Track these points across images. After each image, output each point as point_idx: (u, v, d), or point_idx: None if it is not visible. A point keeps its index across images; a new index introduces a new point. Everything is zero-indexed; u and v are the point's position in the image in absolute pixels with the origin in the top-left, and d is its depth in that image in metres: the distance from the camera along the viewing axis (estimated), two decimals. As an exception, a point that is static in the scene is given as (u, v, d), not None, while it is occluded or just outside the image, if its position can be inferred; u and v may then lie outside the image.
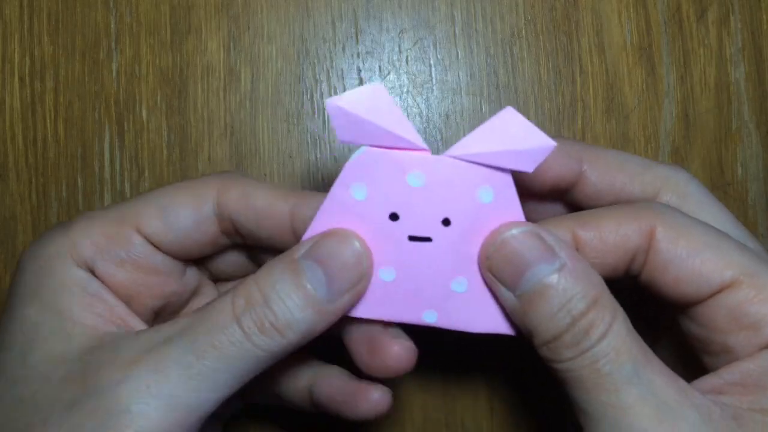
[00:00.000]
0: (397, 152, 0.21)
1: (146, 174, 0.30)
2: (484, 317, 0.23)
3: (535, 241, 0.20)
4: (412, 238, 0.22)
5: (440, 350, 0.31)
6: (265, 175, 0.30)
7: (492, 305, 0.23)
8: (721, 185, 0.31)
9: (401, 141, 0.21)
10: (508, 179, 0.21)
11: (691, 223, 0.20)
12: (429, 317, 0.23)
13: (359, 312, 0.23)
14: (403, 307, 0.23)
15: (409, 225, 0.22)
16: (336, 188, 0.22)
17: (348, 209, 0.22)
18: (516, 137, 0.21)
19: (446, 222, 0.22)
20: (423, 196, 0.22)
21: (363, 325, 0.23)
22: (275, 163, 0.30)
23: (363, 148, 0.21)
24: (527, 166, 0.21)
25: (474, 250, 0.22)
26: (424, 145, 0.21)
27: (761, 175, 0.32)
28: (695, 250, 0.19)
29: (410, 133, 0.21)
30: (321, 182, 0.30)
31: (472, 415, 0.31)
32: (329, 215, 0.22)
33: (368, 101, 0.21)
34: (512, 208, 0.22)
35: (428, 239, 0.22)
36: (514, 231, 0.20)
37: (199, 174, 0.30)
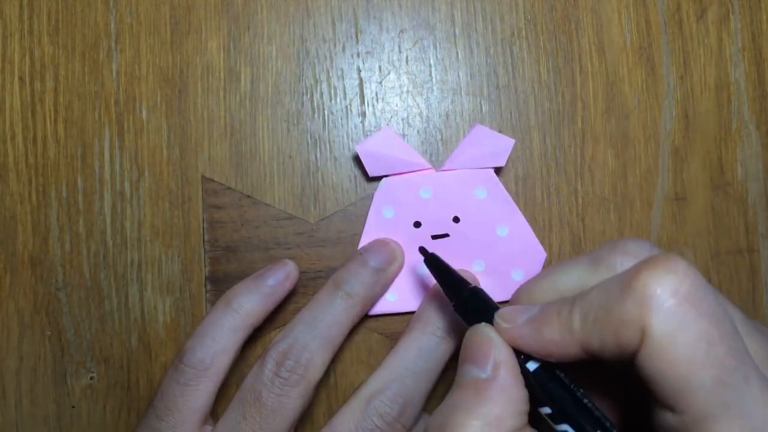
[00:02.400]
0: (407, 175, 0.29)
1: (146, 174, 0.30)
2: (502, 288, 0.30)
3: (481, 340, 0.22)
4: (434, 237, 0.30)
5: (440, 350, 0.31)
6: (265, 175, 0.30)
7: (507, 275, 0.30)
8: (721, 185, 0.31)
9: (412, 165, 0.29)
10: (494, 177, 0.29)
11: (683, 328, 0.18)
12: None
13: (409, 306, 0.30)
14: None
15: (429, 228, 0.30)
16: (371, 214, 0.29)
17: (383, 227, 0.30)
18: (487, 143, 0.29)
19: (456, 219, 0.29)
20: (434, 204, 0.29)
21: None
22: (275, 163, 0.30)
23: (383, 179, 0.29)
24: (501, 162, 0.29)
25: (484, 237, 0.29)
26: (428, 165, 0.29)
27: (761, 175, 0.32)
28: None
29: (417, 158, 0.29)
30: (321, 182, 0.30)
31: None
32: (370, 235, 0.30)
33: (384, 141, 0.29)
34: (503, 199, 0.29)
35: (446, 235, 0.30)
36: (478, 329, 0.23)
37: (199, 174, 0.30)
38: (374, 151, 0.29)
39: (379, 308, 0.30)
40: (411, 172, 0.29)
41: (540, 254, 0.30)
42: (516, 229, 0.29)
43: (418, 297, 0.30)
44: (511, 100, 0.31)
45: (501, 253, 0.30)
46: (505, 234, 0.29)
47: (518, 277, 0.30)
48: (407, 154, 0.29)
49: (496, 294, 0.28)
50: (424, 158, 0.29)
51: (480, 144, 0.29)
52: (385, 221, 0.29)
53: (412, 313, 0.30)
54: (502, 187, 0.29)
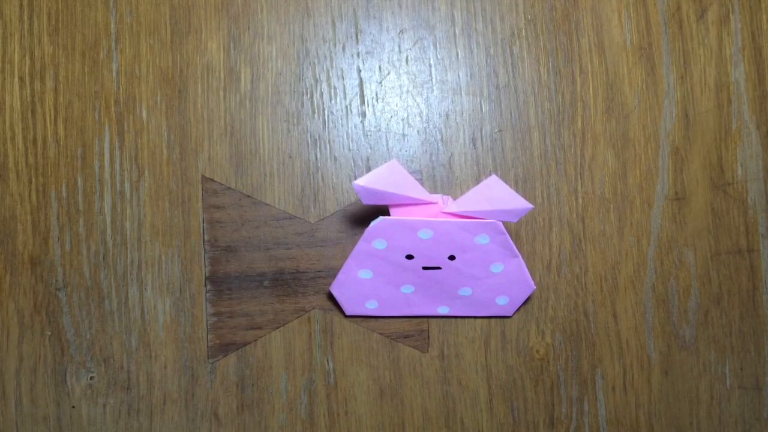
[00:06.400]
0: (407, 219, 0.27)
1: (146, 174, 0.30)
2: (484, 308, 0.30)
3: None
4: (425, 268, 0.29)
5: (439, 351, 0.31)
6: (265, 175, 0.30)
7: (492, 300, 0.30)
8: (721, 185, 0.31)
9: (413, 200, 0.27)
10: (500, 227, 0.28)
11: None
12: (442, 310, 0.30)
13: (388, 312, 0.30)
14: (422, 306, 0.30)
15: (422, 261, 0.29)
16: (360, 243, 0.28)
17: (372, 255, 0.28)
18: (502, 200, 0.27)
19: (452, 257, 0.29)
20: (432, 244, 0.28)
21: None
22: (275, 163, 0.30)
23: (380, 218, 0.27)
24: (512, 219, 0.27)
25: (477, 272, 0.29)
26: (432, 200, 0.27)
27: (761, 175, 0.32)
28: None
29: (420, 192, 0.27)
30: (321, 182, 0.30)
31: (472, 415, 0.31)
32: (357, 260, 0.29)
33: (385, 177, 0.26)
34: (505, 245, 0.28)
35: (439, 268, 0.29)
36: None
37: (199, 174, 0.30)
38: (373, 186, 0.26)
39: (357, 311, 0.30)
40: (413, 204, 0.28)
41: (529, 287, 0.30)
42: (511, 267, 0.29)
43: (397, 307, 0.30)
44: (511, 100, 0.31)
45: (490, 283, 0.29)
46: (500, 270, 0.29)
47: (502, 302, 0.30)
48: (410, 189, 0.27)
49: (478, 312, 0.30)
50: (427, 192, 0.28)
51: (494, 198, 0.27)
52: (374, 250, 0.28)
53: (391, 318, 0.31)
54: (507, 236, 0.28)
